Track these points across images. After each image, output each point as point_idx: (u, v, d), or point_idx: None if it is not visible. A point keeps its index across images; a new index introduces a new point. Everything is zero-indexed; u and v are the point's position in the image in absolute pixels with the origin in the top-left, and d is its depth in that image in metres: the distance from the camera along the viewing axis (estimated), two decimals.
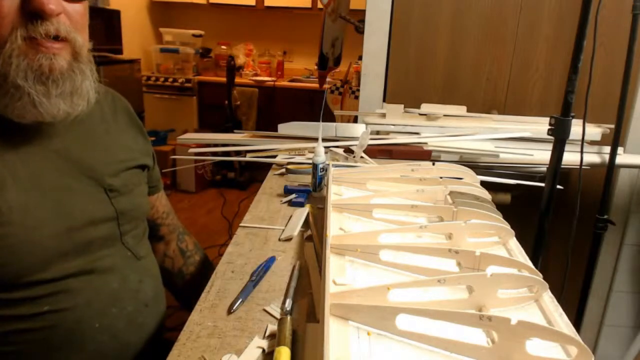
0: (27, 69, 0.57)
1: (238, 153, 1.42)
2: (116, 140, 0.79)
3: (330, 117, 2.06)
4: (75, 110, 0.64)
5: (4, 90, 0.57)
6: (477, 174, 1.07)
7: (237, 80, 3.71)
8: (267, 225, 0.98)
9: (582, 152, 1.24)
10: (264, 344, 0.62)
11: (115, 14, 3.21)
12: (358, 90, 1.87)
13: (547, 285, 0.61)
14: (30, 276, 0.61)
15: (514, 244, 0.76)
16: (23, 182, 0.60)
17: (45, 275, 0.62)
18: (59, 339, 0.66)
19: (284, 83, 3.84)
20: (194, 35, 3.93)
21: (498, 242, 0.77)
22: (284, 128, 1.45)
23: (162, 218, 1.01)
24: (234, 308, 0.69)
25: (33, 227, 0.60)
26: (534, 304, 0.61)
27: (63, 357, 0.67)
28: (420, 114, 1.53)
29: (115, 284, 0.72)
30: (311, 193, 1.11)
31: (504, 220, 0.79)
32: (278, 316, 0.68)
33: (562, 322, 0.56)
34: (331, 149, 1.39)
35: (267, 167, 1.37)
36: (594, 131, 1.45)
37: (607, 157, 1.43)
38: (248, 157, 1.40)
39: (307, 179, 1.16)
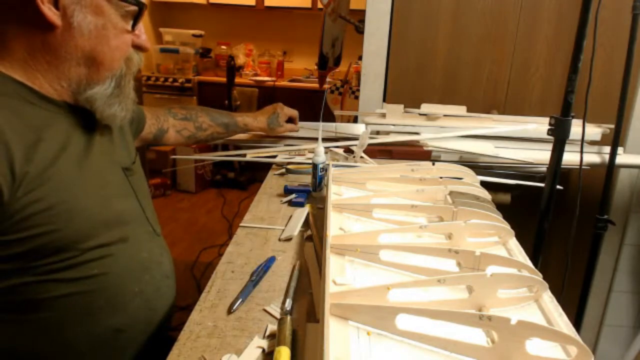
0: (133, 83, 0.77)
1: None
2: (124, 135, 0.88)
3: (330, 117, 2.06)
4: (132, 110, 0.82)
5: (117, 99, 0.74)
6: (477, 174, 1.07)
7: (237, 80, 3.71)
8: (267, 225, 0.98)
9: (582, 152, 1.24)
10: (264, 343, 0.62)
11: None
12: (358, 90, 1.87)
13: (547, 285, 0.61)
14: (83, 242, 0.68)
15: (514, 244, 0.76)
16: (73, 157, 0.70)
17: (96, 242, 0.70)
18: (102, 301, 0.71)
19: (284, 83, 3.84)
20: (194, 35, 3.93)
21: (498, 242, 0.77)
22: None
23: (159, 122, 1.13)
24: (234, 308, 0.70)
25: (83, 196, 0.70)
26: (534, 304, 0.61)
27: (102, 320, 0.72)
28: (420, 114, 1.53)
29: (145, 253, 0.80)
30: (311, 193, 1.11)
31: (503, 220, 0.79)
32: (278, 316, 0.68)
33: (562, 322, 0.56)
34: (331, 149, 1.39)
35: (267, 167, 1.37)
36: (594, 131, 1.45)
37: (607, 157, 1.43)
38: (248, 157, 1.40)
39: (307, 179, 1.16)
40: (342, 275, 0.65)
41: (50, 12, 0.64)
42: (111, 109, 0.74)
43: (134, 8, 0.71)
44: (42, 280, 0.65)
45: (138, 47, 0.76)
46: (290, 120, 1.40)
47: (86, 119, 0.74)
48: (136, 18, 0.72)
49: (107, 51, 0.70)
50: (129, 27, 0.72)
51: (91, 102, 0.72)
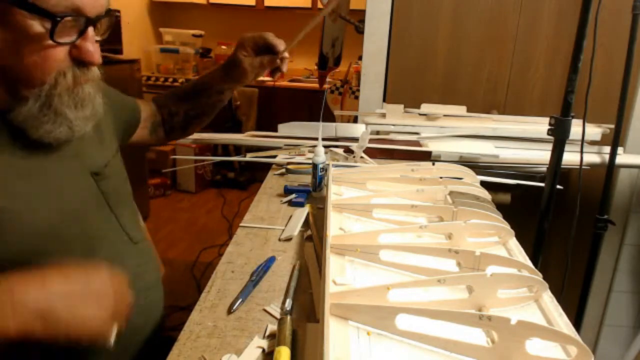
0: (69, 100, 0.65)
1: (238, 153, 1.42)
2: (100, 133, 0.81)
3: (330, 117, 2.06)
4: (91, 125, 0.71)
5: (47, 118, 0.64)
6: (477, 174, 1.07)
7: None
8: (267, 225, 0.98)
9: (582, 152, 1.24)
10: (264, 343, 0.62)
11: (115, 14, 3.20)
12: (358, 90, 1.87)
13: (547, 285, 0.61)
14: (28, 261, 0.61)
15: (514, 244, 0.76)
16: (15, 168, 0.64)
17: (48, 260, 0.62)
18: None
19: (284, 83, 3.84)
20: (194, 35, 3.93)
21: (498, 242, 0.77)
22: (284, 128, 1.45)
23: (152, 115, 1.00)
24: (234, 308, 0.69)
25: (27, 211, 0.63)
26: (533, 304, 0.61)
27: (76, 349, 0.66)
28: (420, 114, 1.53)
29: (118, 268, 0.73)
30: (311, 193, 1.11)
31: (503, 220, 0.79)
32: (278, 316, 0.68)
33: (562, 322, 0.56)
34: (331, 149, 1.39)
35: (267, 167, 1.37)
36: (594, 131, 1.45)
37: (607, 157, 1.43)
38: (248, 157, 1.40)
39: (307, 179, 1.16)
40: (342, 275, 0.65)
41: None
42: (39, 130, 0.64)
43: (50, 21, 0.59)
44: None
45: (80, 61, 0.64)
46: (267, 49, 0.94)
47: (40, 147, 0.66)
48: (52, 30, 0.59)
49: (21, 69, 0.60)
50: (48, 39, 0.59)
51: (18, 122, 0.63)
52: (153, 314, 0.82)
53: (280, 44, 0.93)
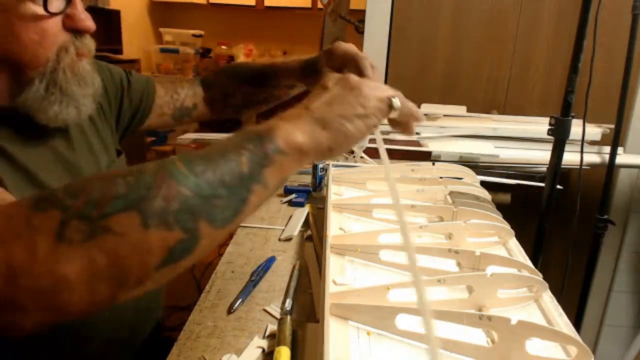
0: (73, 78, 0.63)
1: None
2: (99, 135, 0.79)
3: None
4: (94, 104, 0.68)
5: (54, 97, 0.62)
6: (477, 174, 1.07)
7: None
8: (267, 225, 0.98)
9: (582, 152, 1.24)
10: (264, 344, 0.62)
11: (115, 14, 3.21)
12: None
13: (547, 285, 0.61)
14: None
15: (514, 244, 0.76)
16: (19, 179, 0.61)
17: None
18: (68, 331, 0.66)
19: None
20: (194, 35, 3.93)
21: (498, 242, 0.77)
22: None
23: (179, 99, 0.93)
24: (234, 308, 0.69)
25: None
26: (533, 304, 0.61)
27: (76, 349, 0.67)
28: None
29: None
30: (311, 193, 1.11)
31: (503, 220, 0.79)
32: (278, 316, 0.68)
33: (562, 322, 0.56)
34: None
35: None
36: (594, 131, 1.45)
37: (607, 157, 1.43)
38: None
39: (307, 179, 1.16)
40: (342, 275, 0.65)
41: None
42: (48, 111, 0.62)
43: None
44: None
45: (75, 30, 0.62)
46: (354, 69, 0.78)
47: (27, 127, 0.64)
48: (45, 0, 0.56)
49: (22, 50, 0.58)
50: (42, 11, 0.57)
51: (26, 108, 0.61)
52: (153, 314, 0.82)
53: (369, 71, 0.80)
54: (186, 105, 0.93)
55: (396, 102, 0.52)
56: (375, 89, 0.52)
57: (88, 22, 0.62)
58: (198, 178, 0.38)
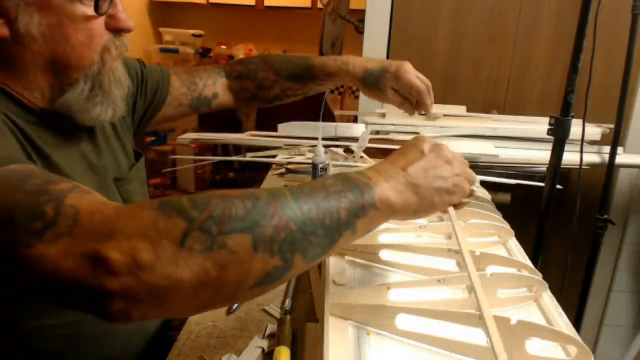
0: (113, 78, 0.65)
1: (238, 152, 1.42)
2: (119, 138, 0.79)
3: (330, 117, 2.06)
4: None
5: (98, 99, 0.63)
6: (477, 174, 1.07)
7: None
8: None
9: (582, 152, 1.24)
10: (264, 344, 0.62)
11: None
12: (358, 90, 1.86)
13: (547, 285, 0.61)
14: None
15: (514, 244, 0.76)
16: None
17: None
18: (96, 330, 0.67)
19: None
20: (194, 35, 3.92)
21: (498, 242, 0.77)
22: (284, 128, 1.45)
23: (197, 90, 0.93)
24: (234, 308, 0.70)
25: None
26: (533, 304, 0.61)
27: (98, 349, 0.68)
28: (420, 114, 1.53)
29: None
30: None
31: (503, 220, 0.79)
32: (278, 316, 0.68)
33: (562, 322, 0.56)
34: (331, 149, 1.39)
35: (267, 167, 1.37)
36: (594, 131, 1.45)
37: (607, 157, 1.43)
38: (248, 157, 1.40)
39: (307, 179, 1.16)
40: (342, 275, 0.65)
41: None
42: (91, 113, 0.63)
43: None
44: (32, 310, 0.61)
45: (117, 31, 0.63)
46: (412, 94, 0.95)
47: (59, 130, 0.65)
48: (96, 2, 0.58)
49: (70, 51, 0.59)
50: (92, 12, 0.58)
51: (67, 109, 0.62)
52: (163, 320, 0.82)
53: (430, 111, 0.96)
54: (205, 95, 0.94)
55: (475, 192, 0.57)
56: (465, 169, 0.55)
57: (129, 22, 0.64)
58: (305, 216, 0.42)
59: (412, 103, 0.97)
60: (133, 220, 0.39)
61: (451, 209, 0.57)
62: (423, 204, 0.50)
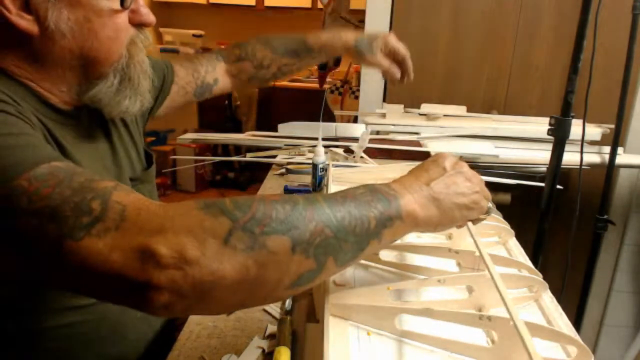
0: (141, 71, 0.66)
1: (238, 152, 1.42)
2: (132, 138, 0.80)
3: (330, 117, 2.06)
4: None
5: (127, 92, 0.65)
6: (477, 174, 1.07)
7: None
8: None
9: (582, 152, 1.24)
10: (264, 344, 0.62)
11: None
12: (358, 90, 1.87)
13: (547, 285, 0.61)
14: None
15: (514, 244, 0.76)
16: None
17: None
18: (105, 330, 0.68)
19: (284, 83, 3.84)
20: (194, 35, 3.93)
21: (498, 242, 0.77)
22: (284, 128, 1.45)
23: (200, 77, 0.97)
24: None
25: None
26: (534, 304, 0.61)
27: (107, 348, 0.69)
28: (420, 114, 1.53)
29: None
30: (311, 193, 1.11)
31: (504, 220, 0.79)
32: (278, 316, 0.68)
33: (562, 322, 0.56)
34: (331, 149, 1.39)
35: (267, 167, 1.37)
36: (594, 131, 1.45)
37: (607, 157, 1.43)
38: (248, 157, 1.40)
39: (307, 179, 1.16)
40: (342, 276, 0.65)
41: (22, 21, 0.55)
42: (120, 105, 0.65)
43: None
44: (45, 308, 0.62)
45: (140, 25, 0.65)
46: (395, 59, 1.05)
47: (79, 129, 0.66)
48: None
49: (99, 46, 0.60)
50: (118, 6, 0.60)
51: (96, 102, 0.64)
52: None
53: (405, 57, 1.04)
54: (207, 82, 0.97)
55: (491, 209, 0.59)
56: (483, 187, 0.58)
57: (151, 16, 0.65)
58: (339, 223, 0.44)
59: (398, 67, 1.05)
60: (180, 217, 0.41)
61: (470, 224, 0.58)
62: (444, 217, 0.52)
